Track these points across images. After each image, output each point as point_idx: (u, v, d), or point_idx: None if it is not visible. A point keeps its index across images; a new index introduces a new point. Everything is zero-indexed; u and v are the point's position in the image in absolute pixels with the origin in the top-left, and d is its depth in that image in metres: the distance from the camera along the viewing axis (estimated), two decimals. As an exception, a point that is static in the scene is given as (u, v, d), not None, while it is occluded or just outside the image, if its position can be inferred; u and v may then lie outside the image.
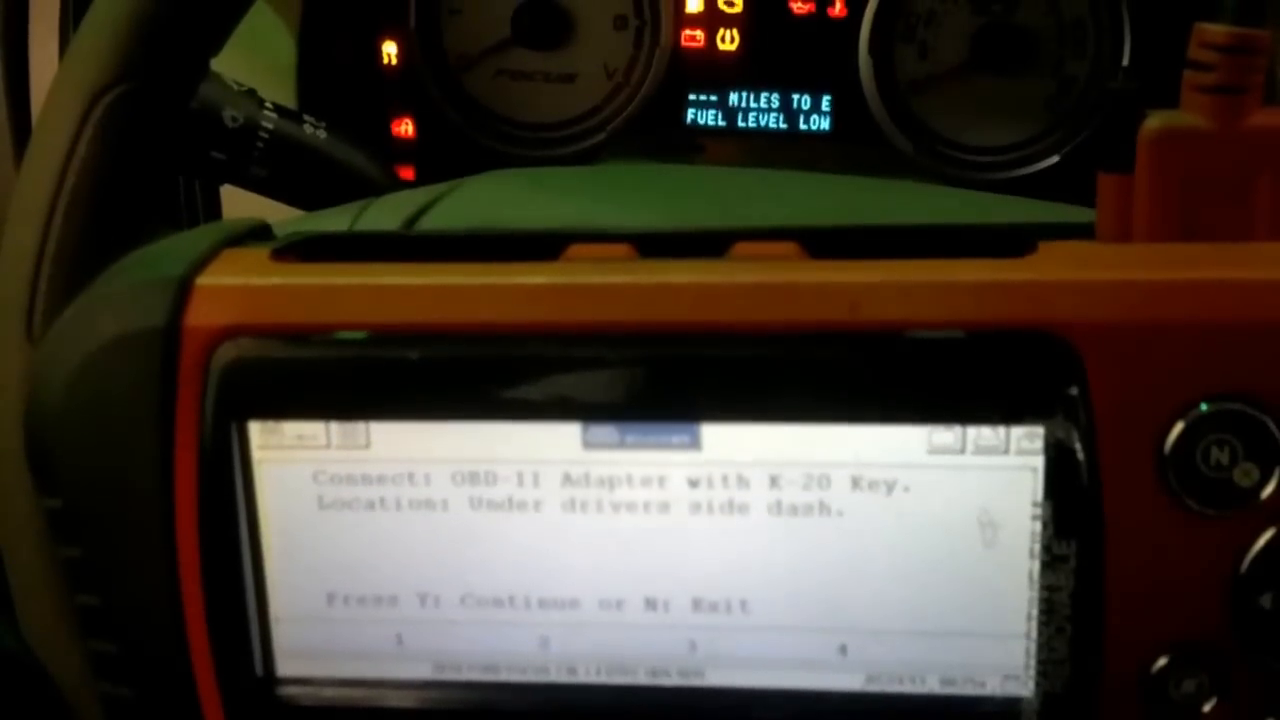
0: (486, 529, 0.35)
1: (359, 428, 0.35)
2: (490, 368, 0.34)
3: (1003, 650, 0.34)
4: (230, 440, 0.35)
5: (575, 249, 0.36)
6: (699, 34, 0.75)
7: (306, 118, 0.62)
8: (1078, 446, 0.33)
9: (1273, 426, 0.32)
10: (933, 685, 0.35)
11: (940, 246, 0.34)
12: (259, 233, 0.39)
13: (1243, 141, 0.34)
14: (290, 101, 0.69)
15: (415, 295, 0.35)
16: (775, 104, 0.75)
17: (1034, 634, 0.34)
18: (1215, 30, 0.33)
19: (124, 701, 0.37)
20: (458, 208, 0.47)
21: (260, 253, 0.37)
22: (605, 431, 0.34)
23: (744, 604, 0.35)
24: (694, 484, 0.34)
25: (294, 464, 0.35)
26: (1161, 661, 0.33)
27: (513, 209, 0.49)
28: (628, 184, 0.55)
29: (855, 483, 0.34)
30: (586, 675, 0.36)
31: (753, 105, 0.75)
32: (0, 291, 0.38)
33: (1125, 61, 0.71)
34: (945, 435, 0.33)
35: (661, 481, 0.34)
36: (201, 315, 0.35)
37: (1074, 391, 0.32)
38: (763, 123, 0.76)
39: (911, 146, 0.74)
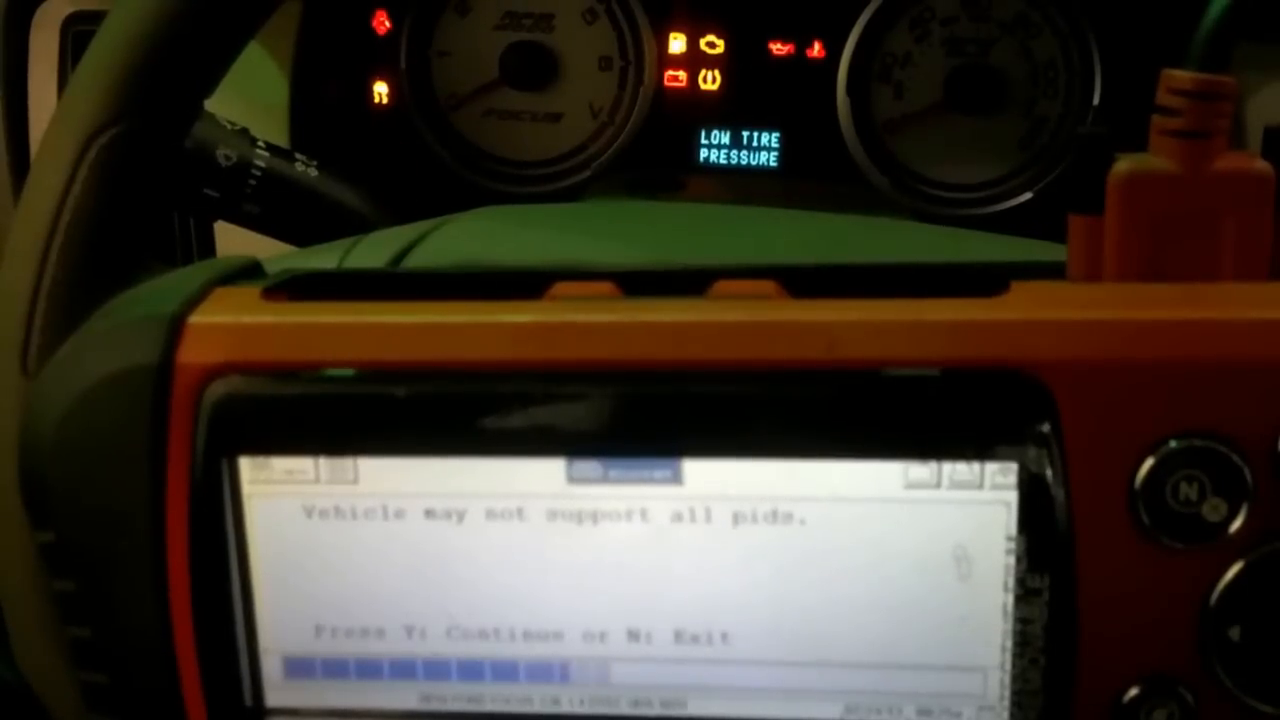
0: (472, 562, 0.36)
1: (347, 463, 0.35)
2: (476, 404, 0.34)
3: (978, 681, 0.35)
4: (221, 475, 0.35)
5: (559, 287, 0.37)
6: (681, 74, 0.76)
7: (298, 156, 0.63)
8: (1050, 482, 0.33)
9: (1240, 462, 0.33)
10: (910, 715, 0.35)
11: (916, 285, 0.35)
12: (250, 271, 0.40)
13: (1209, 184, 0.34)
14: (282, 140, 0.70)
15: (402, 333, 0.35)
16: (755, 142, 0.76)
17: (1008, 665, 0.34)
18: (1182, 76, 0.34)
19: None
20: (445, 244, 0.48)
21: (251, 291, 0.37)
22: (589, 466, 0.35)
23: (725, 635, 0.35)
24: (676, 517, 0.35)
25: (283, 498, 0.36)
26: (1133, 692, 0.34)
27: (498, 245, 0.49)
28: (611, 221, 0.56)
29: (833, 518, 0.34)
30: (570, 705, 0.36)
31: (733, 144, 0.76)
32: None
33: (1096, 101, 0.72)
34: (921, 471, 0.34)
35: (644, 515, 0.35)
36: (193, 353, 0.35)
37: (1046, 428, 0.33)
38: (743, 160, 0.77)
39: (888, 183, 0.75)
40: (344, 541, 0.36)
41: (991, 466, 0.33)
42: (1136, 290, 0.35)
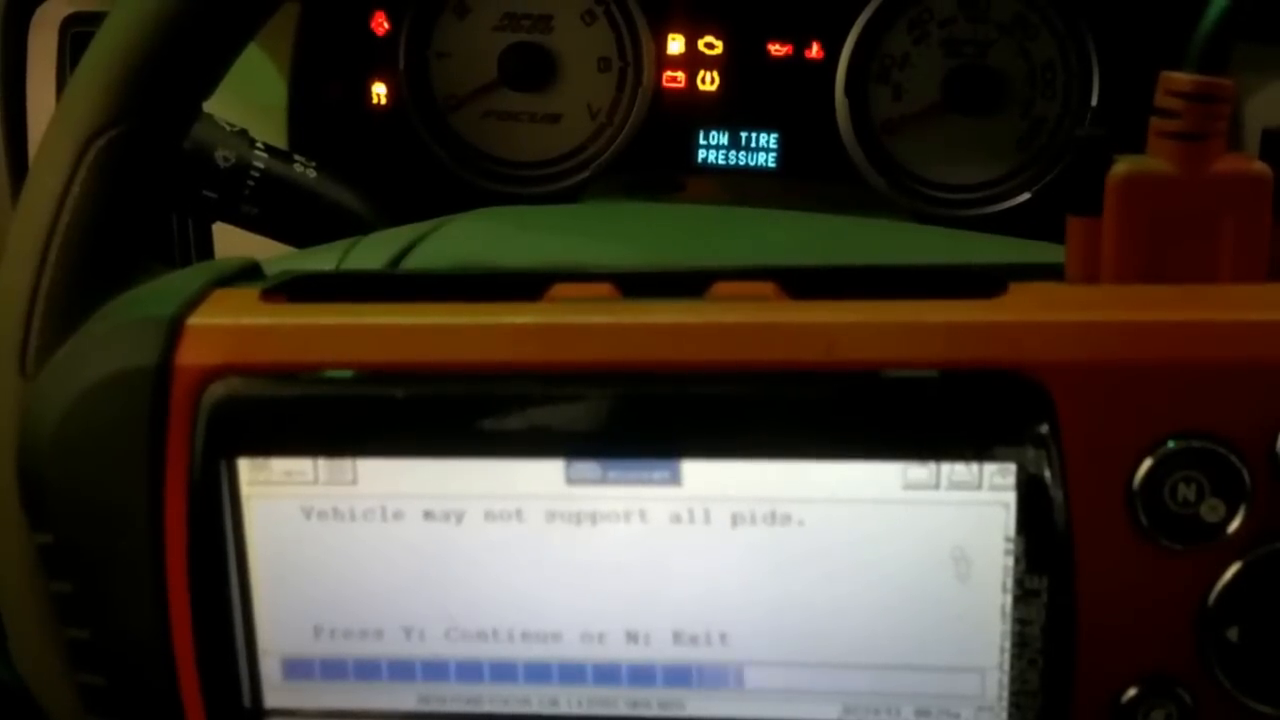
0: (470, 563, 0.36)
1: (346, 464, 0.35)
2: (475, 406, 0.35)
3: (976, 682, 0.35)
4: (219, 476, 0.35)
5: (558, 288, 0.37)
6: (680, 75, 0.76)
7: (297, 157, 0.63)
8: (1049, 483, 0.33)
9: (1238, 463, 0.33)
10: (908, 716, 0.35)
11: (915, 287, 0.35)
12: (249, 272, 0.40)
13: (1207, 186, 0.34)
14: (281, 141, 0.70)
15: (400, 335, 0.35)
16: (753, 143, 0.76)
17: (1006, 666, 0.34)
18: (1180, 79, 0.34)
19: None
20: (443, 245, 0.48)
21: (249, 293, 0.37)
22: (588, 467, 0.35)
23: (723, 636, 0.35)
24: (674, 519, 0.35)
25: (282, 499, 0.36)
26: (1131, 692, 0.34)
27: (497, 246, 0.49)
28: (610, 222, 0.56)
29: (832, 518, 0.34)
30: (569, 706, 0.36)
31: (732, 144, 0.77)
32: None
33: (1094, 103, 0.73)
34: (920, 471, 0.34)
35: (643, 516, 0.35)
36: (192, 355, 0.35)
37: (1044, 429, 0.33)
38: (741, 161, 0.77)
39: (886, 184, 0.75)
40: (343, 542, 0.36)
41: (990, 467, 0.34)
42: (1135, 292, 0.35)
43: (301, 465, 0.35)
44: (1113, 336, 0.33)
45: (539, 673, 0.36)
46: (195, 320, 0.36)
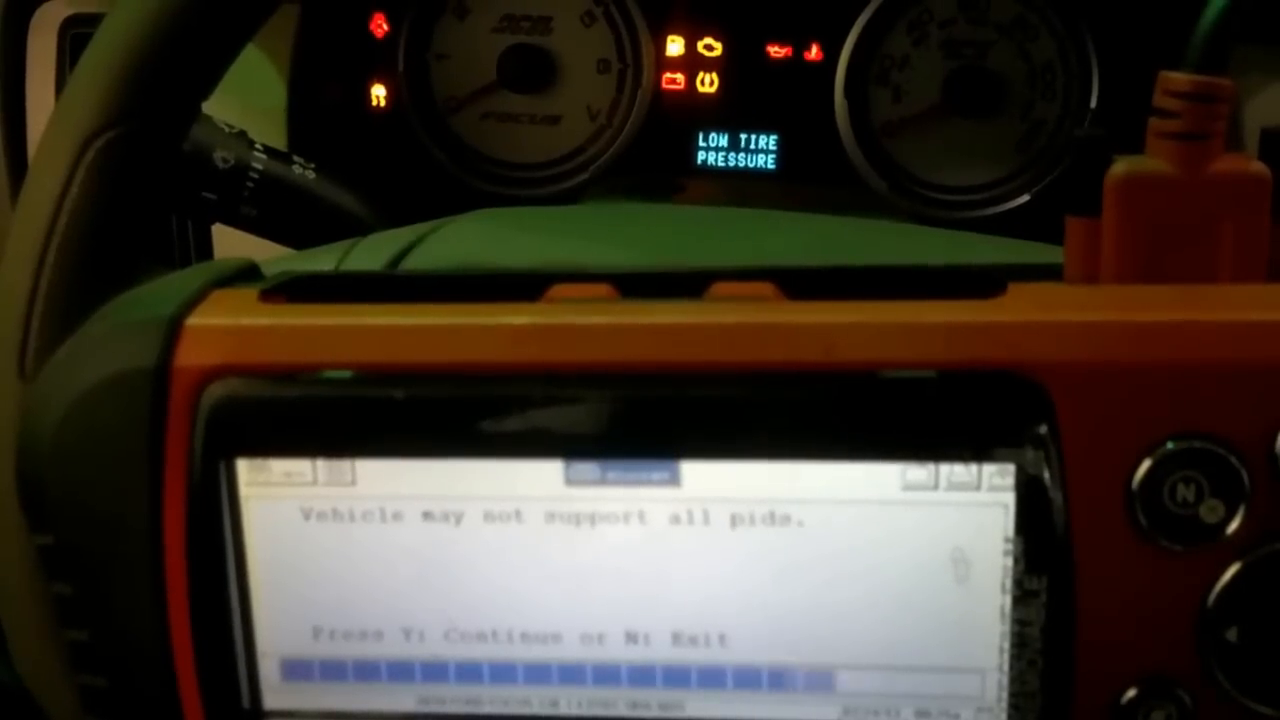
0: (470, 564, 0.36)
1: (345, 465, 0.35)
2: (474, 407, 0.34)
3: (976, 683, 0.35)
4: (218, 477, 0.35)
5: (557, 289, 0.37)
6: (679, 77, 0.76)
7: (296, 159, 0.63)
8: (1048, 483, 0.33)
9: (1237, 464, 0.33)
10: (908, 717, 0.35)
11: (914, 288, 0.35)
12: (247, 273, 0.40)
13: (1206, 187, 0.34)
14: (280, 143, 0.70)
15: (399, 336, 0.35)
16: (753, 145, 0.76)
17: (1006, 667, 0.34)
18: (1179, 79, 0.34)
19: None
20: (442, 246, 0.48)
21: (248, 293, 0.37)
22: (587, 468, 0.35)
23: (723, 637, 0.35)
24: (674, 519, 0.35)
25: (281, 500, 0.36)
26: (1131, 693, 0.34)
27: (496, 247, 0.49)
28: (609, 223, 0.56)
29: (831, 519, 0.34)
30: (568, 707, 0.36)
31: (731, 146, 0.77)
32: None
33: (1093, 104, 0.73)
34: (919, 472, 0.34)
35: (642, 517, 0.35)
36: (191, 355, 0.35)
37: (1043, 430, 0.33)
38: (741, 163, 0.77)
39: (885, 186, 0.75)
40: (342, 543, 0.36)
41: (989, 468, 0.33)
42: (1134, 292, 0.35)
43: (300, 466, 0.35)
44: (1112, 337, 0.33)
45: (539, 674, 0.36)
46: (194, 321, 0.36)
